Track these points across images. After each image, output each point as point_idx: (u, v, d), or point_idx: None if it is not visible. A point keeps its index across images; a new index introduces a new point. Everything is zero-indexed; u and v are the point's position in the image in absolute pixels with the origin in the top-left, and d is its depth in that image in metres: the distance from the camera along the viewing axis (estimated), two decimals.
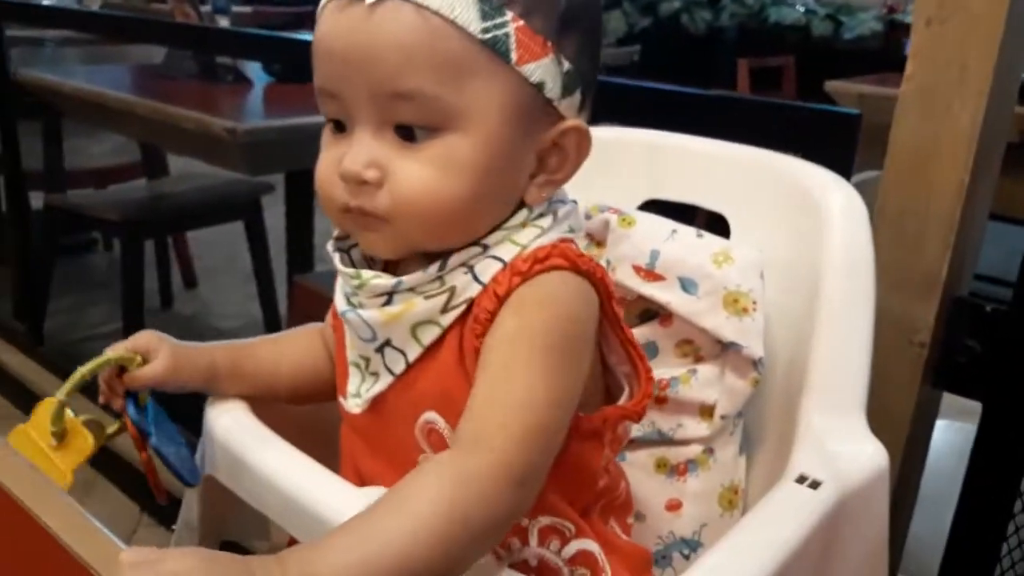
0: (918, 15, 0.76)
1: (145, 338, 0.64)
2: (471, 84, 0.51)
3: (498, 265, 0.54)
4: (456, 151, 0.52)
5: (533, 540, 0.56)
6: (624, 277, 0.72)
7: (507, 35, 0.51)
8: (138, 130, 2.01)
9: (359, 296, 0.56)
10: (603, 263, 0.74)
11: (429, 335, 0.55)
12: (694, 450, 0.73)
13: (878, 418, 0.65)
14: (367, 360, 0.59)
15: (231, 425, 0.63)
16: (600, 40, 0.58)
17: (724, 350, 0.71)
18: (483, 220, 0.55)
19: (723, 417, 0.71)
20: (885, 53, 3.67)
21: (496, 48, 0.50)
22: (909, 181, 0.78)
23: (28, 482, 0.55)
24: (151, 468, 0.64)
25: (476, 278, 0.54)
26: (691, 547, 0.72)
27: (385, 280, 0.55)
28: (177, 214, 2.18)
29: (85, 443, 0.64)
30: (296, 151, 1.68)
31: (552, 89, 0.53)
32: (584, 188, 0.80)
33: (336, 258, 0.59)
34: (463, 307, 0.54)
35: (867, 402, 0.65)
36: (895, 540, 0.82)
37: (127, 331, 1.91)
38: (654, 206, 0.80)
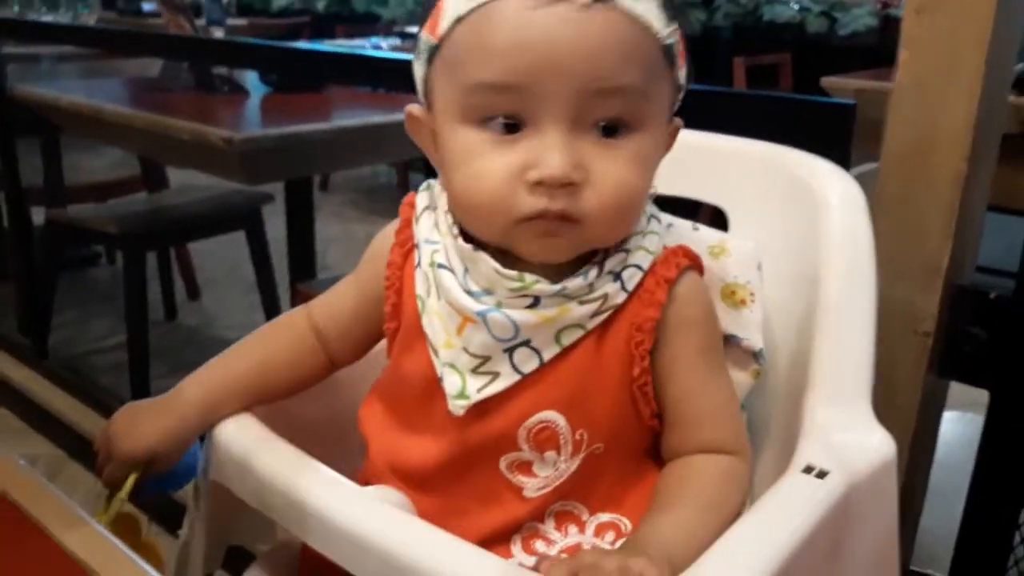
0: (909, 4, 0.76)
1: (129, 454, 0.64)
2: (657, 85, 0.56)
3: (639, 274, 0.59)
4: (644, 147, 0.56)
5: (589, 531, 0.60)
6: None
7: (676, 43, 0.57)
8: (136, 143, 2.02)
9: (495, 295, 0.57)
10: None
11: (572, 337, 0.57)
12: None
13: (885, 409, 0.65)
14: (484, 359, 0.58)
15: (234, 429, 0.63)
16: None
17: (724, 343, 0.71)
18: (640, 214, 0.60)
19: None
20: (880, 48, 3.67)
21: (668, 54, 0.56)
22: (907, 169, 0.78)
23: (43, 499, 0.55)
24: None
25: (623, 286, 0.58)
26: None
27: (547, 285, 0.56)
28: (178, 226, 2.18)
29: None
30: (294, 160, 1.68)
31: (683, 90, 0.60)
32: None
33: (485, 256, 0.57)
34: (608, 312, 0.58)
35: (873, 393, 0.65)
36: (906, 532, 0.82)
37: (131, 343, 1.92)
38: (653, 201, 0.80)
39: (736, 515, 0.54)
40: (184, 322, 2.53)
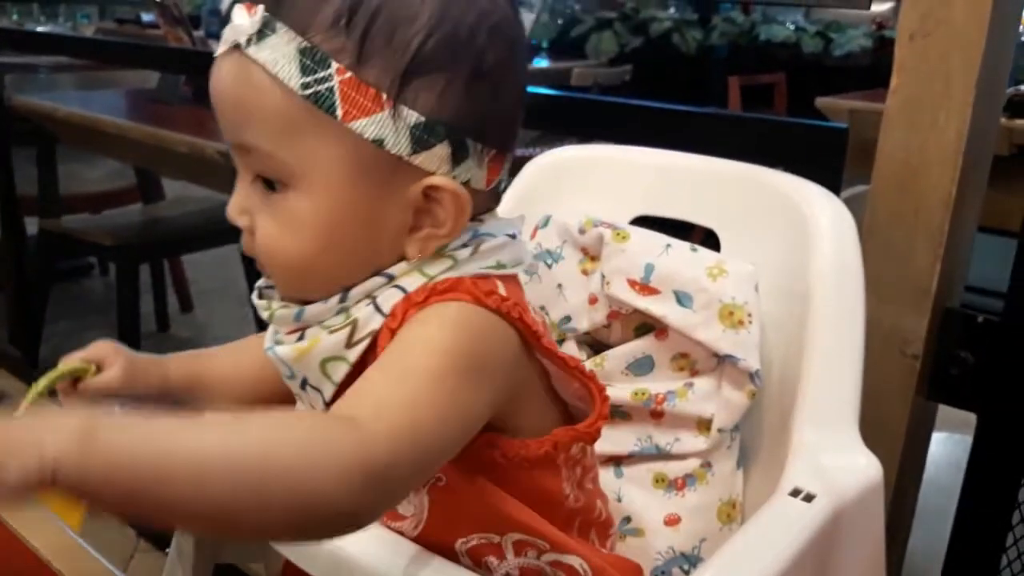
0: (902, 30, 0.76)
1: (101, 348, 0.63)
2: (302, 141, 0.48)
3: (400, 295, 0.51)
4: (297, 209, 0.50)
5: (509, 554, 0.56)
6: (619, 291, 0.73)
7: (331, 90, 0.47)
8: (132, 155, 2.02)
9: (279, 332, 0.55)
10: (598, 277, 0.75)
11: (339, 371, 0.52)
12: (692, 464, 0.72)
13: (873, 431, 0.65)
14: (301, 397, 0.57)
15: None
16: (500, 77, 0.52)
17: (720, 363, 0.71)
18: (343, 274, 0.52)
19: (720, 430, 0.71)
20: (875, 69, 3.70)
21: (319, 104, 0.47)
22: (897, 193, 0.78)
23: (24, 510, 0.55)
24: None
25: (378, 309, 0.51)
26: (691, 562, 0.72)
27: (288, 311, 0.53)
28: (173, 238, 2.18)
29: None
30: None
31: (395, 145, 0.49)
32: (577, 204, 0.81)
33: (255, 293, 0.57)
34: (368, 340, 0.51)
35: (861, 415, 0.65)
36: (894, 554, 0.82)
37: None
38: (646, 222, 0.80)
39: (280, 453, 0.40)
40: (177, 334, 2.52)
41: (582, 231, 0.77)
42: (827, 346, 0.67)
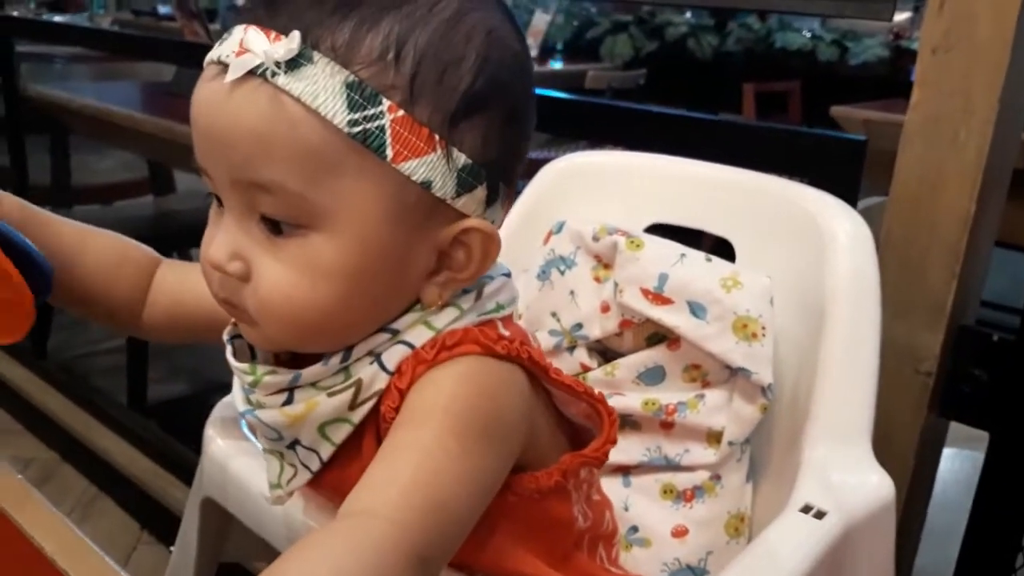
0: (924, 44, 0.76)
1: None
2: (339, 182, 0.44)
3: (406, 351, 0.48)
4: (321, 254, 0.46)
5: None
6: (632, 300, 0.72)
7: (381, 128, 0.44)
8: (145, 147, 2.02)
9: (256, 394, 0.51)
10: (610, 285, 0.74)
11: (340, 433, 0.50)
12: (701, 476, 0.72)
13: (883, 448, 0.65)
14: (281, 454, 0.54)
15: (228, 446, 0.62)
16: (525, 120, 0.51)
17: (732, 375, 0.71)
18: (360, 324, 0.49)
19: (731, 443, 0.70)
20: (891, 79, 3.68)
21: (367, 143, 0.44)
22: (915, 209, 0.78)
23: (26, 503, 0.55)
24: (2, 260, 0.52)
25: (384, 367, 0.48)
26: (697, 575, 0.71)
27: (281, 376, 0.49)
28: (182, 231, 2.18)
29: None
30: None
31: (442, 188, 0.46)
32: (591, 211, 0.81)
33: (229, 350, 0.53)
34: (374, 400, 0.48)
35: (873, 431, 0.65)
36: (901, 572, 0.81)
37: (130, 347, 1.92)
38: (659, 230, 0.80)
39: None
40: None
41: (596, 238, 0.77)
42: (841, 361, 0.67)
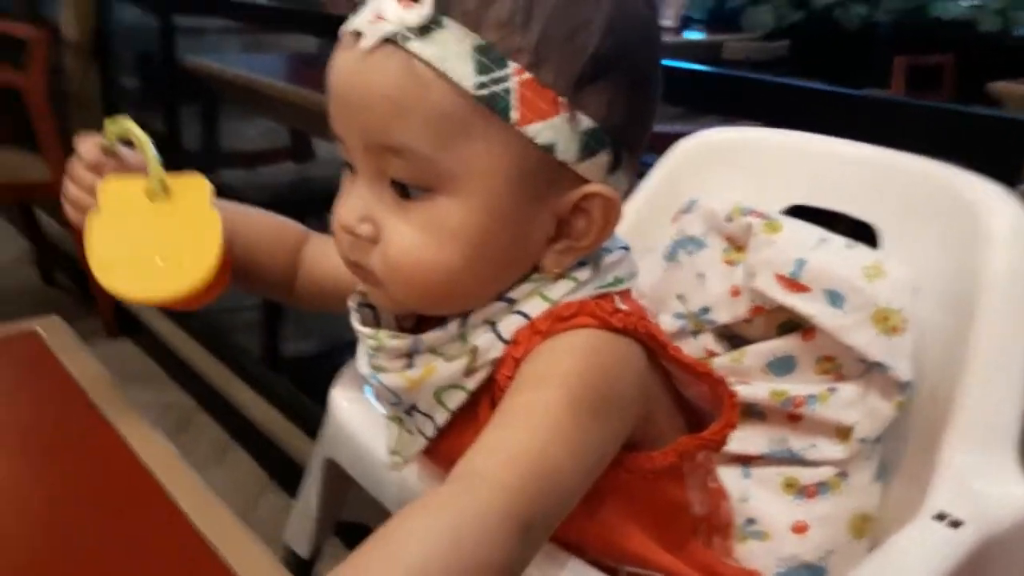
0: None
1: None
2: (466, 145, 0.45)
3: (522, 321, 0.49)
4: (449, 216, 0.47)
5: None
6: (765, 286, 0.69)
7: (507, 91, 0.45)
8: (288, 116, 2.10)
9: (379, 358, 0.53)
10: (742, 268, 0.71)
11: (455, 400, 0.51)
12: (826, 472, 0.69)
13: None
14: (401, 420, 0.55)
15: (351, 410, 0.64)
16: (651, 86, 0.51)
17: (868, 370, 0.67)
18: (483, 288, 0.50)
19: (861, 440, 0.67)
20: None
21: (493, 106, 0.45)
22: None
23: (155, 449, 0.58)
24: None
25: (500, 336, 0.49)
26: (815, 573, 0.68)
27: (402, 341, 0.51)
28: (321, 196, 2.26)
29: (195, 181, 0.57)
30: None
31: (565, 151, 0.47)
32: (724, 190, 0.78)
33: (355, 317, 0.55)
34: (489, 369, 0.50)
35: (1020, 443, 0.60)
36: None
37: (266, 307, 2.01)
38: (797, 212, 0.76)
39: (426, 560, 0.37)
40: None
41: (729, 219, 0.74)
42: (990, 361, 0.62)
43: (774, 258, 0.69)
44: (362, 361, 0.55)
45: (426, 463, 0.57)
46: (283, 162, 2.61)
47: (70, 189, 0.61)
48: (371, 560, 0.37)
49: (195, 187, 0.57)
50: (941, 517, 0.55)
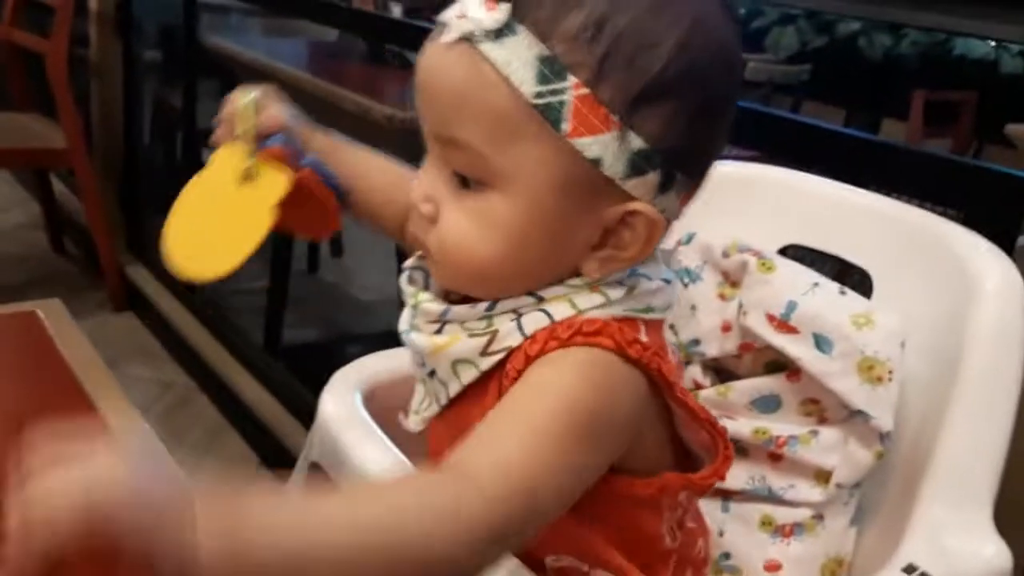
0: None
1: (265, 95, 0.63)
2: (518, 146, 0.48)
3: (545, 321, 0.51)
4: (496, 211, 0.49)
5: None
6: (756, 324, 0.70)
7: (562, 103, 0.46)
8: (303, 105, 2.11)
9: (417, 318, 0.56)
10: (735, 305, 0.72)
11: (468, 375, 0.53)
12: (803, 513, 0.70)
13: (1006, 519, 0.61)
14: (424, 382, 0.58)
15: (338, 417, 0.65)
16: (721, 112, 0.52)
17: (851, 416, 0.68)
18: (518, 281, 0.52)
19: (839, 486, 0.68)
20: None
21: (546, 115, 0.46)
22: None
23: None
24: (317, 185, 0.59)
25: (521, 328, 0.51)
26: None
27: (436, 306, 0.54)
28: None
29: (278, 179, 0.58)
30: None
31: (612, 167, 0.48)
32: (723, 224, 0.78)
33: (405, 276, 0.58)
34: (502, 355, 0.51)
35: (996, 498, 0.61)
36: None
37: (272, 290, 2.02)
38: (793, 251, 0.77)
39: (398, 543, 0.40)
40: (324, 277, 2.63)
41: (726, 254, 0.75)
42: (972, 416, 0.63)
43: (767, 298, 0.70)
44: (404, 318, 0.58)
45: (436, 428, 0.58)
46: None
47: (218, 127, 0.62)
48: (332, 515, 0.40)
49: (273, 184, 0.58)
50: (910, 570, 0.56)
